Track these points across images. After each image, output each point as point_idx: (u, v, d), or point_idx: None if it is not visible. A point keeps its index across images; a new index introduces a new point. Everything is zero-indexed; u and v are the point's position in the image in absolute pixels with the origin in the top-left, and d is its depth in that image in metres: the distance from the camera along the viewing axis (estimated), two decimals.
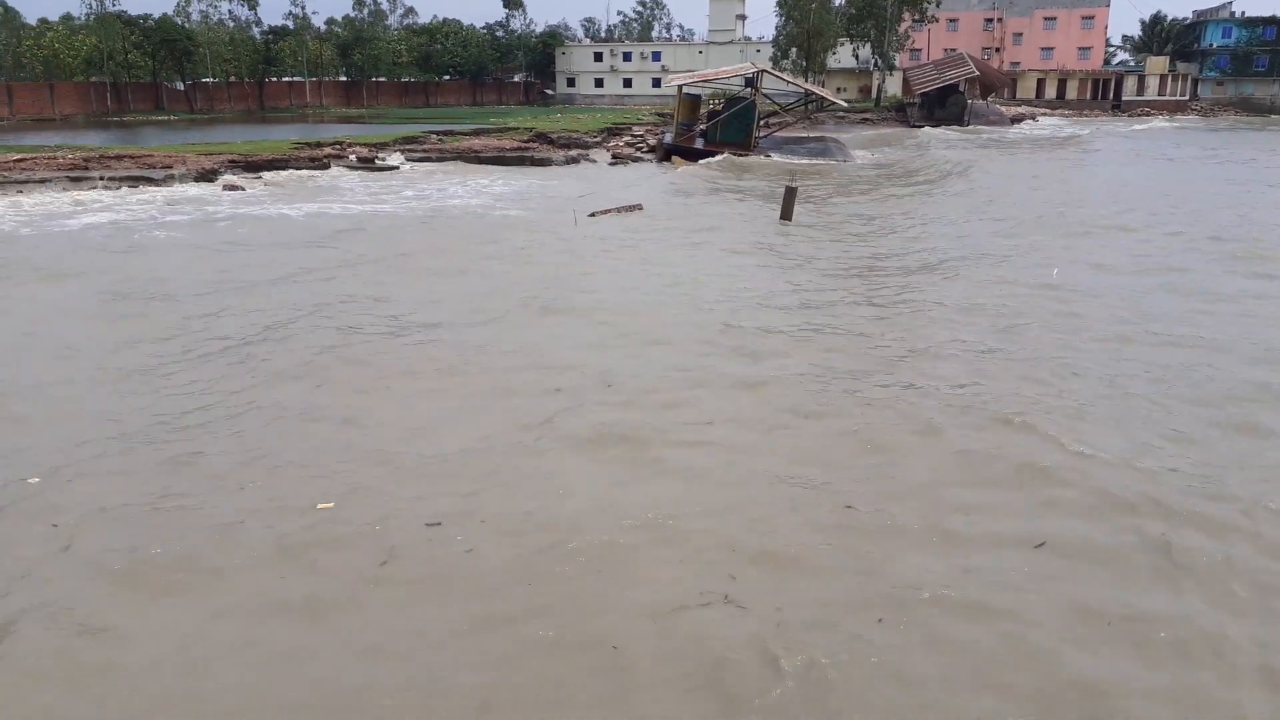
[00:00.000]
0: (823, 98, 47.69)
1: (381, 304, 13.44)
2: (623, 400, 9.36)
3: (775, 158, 40.23)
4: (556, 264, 16.81)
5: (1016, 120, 71.59)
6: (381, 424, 8.75)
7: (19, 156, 32.25)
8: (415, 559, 6.31)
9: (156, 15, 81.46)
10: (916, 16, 79.97)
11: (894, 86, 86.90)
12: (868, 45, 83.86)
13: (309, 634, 5.49)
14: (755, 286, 14.69)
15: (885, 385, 9.78)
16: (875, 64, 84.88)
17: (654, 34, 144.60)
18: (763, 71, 43.42)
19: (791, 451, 8.12)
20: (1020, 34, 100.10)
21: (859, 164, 39.85)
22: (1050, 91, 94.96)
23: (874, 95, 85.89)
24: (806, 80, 65.45)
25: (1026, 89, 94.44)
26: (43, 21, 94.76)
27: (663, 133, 46.39)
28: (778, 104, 47.23)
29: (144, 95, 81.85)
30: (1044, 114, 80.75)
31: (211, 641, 5.41)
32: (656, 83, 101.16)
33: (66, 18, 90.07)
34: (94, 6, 79.50)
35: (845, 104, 53.05)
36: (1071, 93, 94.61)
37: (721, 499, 7.15)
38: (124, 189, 28.61)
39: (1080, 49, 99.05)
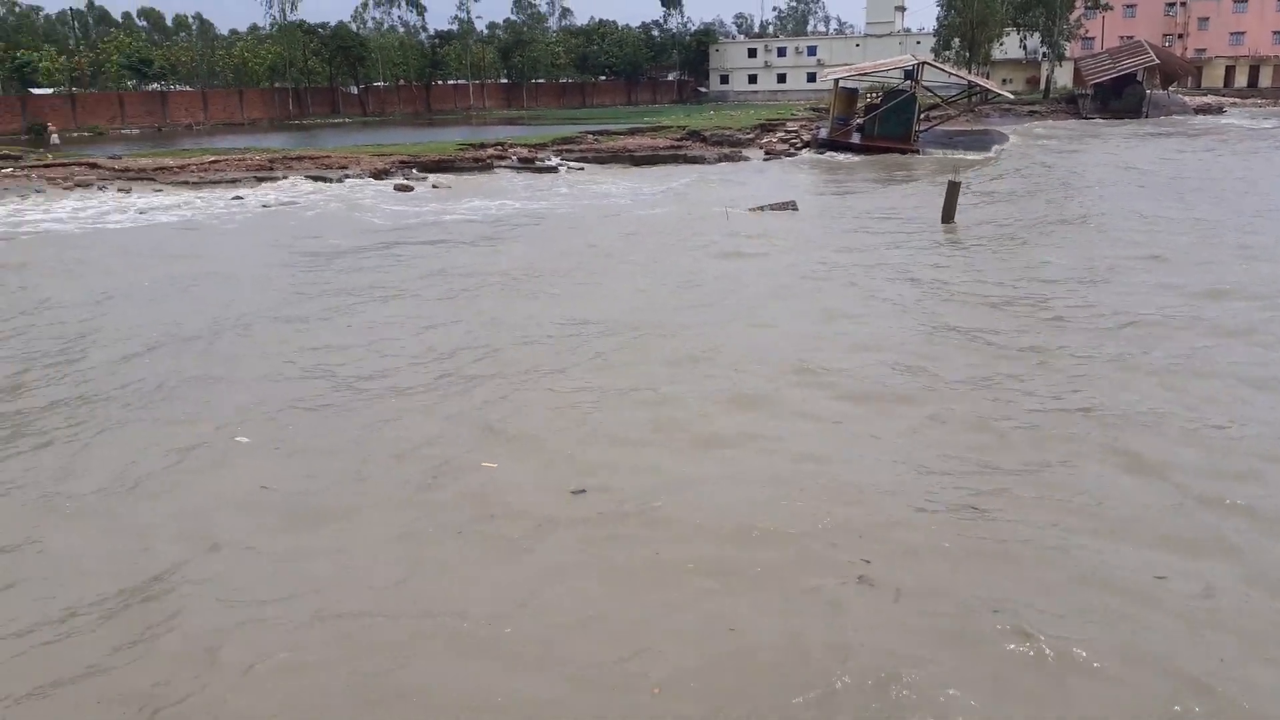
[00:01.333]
0: (986, 90, 45.99)
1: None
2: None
3: (935, 152, 39.10)
4: (697, 260, 16.91)
5: (1202, 111, 66.92)
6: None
7: (213, 158, 34.96)
8: None
9: (333, 23, 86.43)
10: (1089, 3, 75.92)
11: (1064, 77, 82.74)
12: (1036, 34, 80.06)
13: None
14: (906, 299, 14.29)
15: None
16: (1044, 54, 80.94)
17: (809, 28, 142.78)
18: (923, 63, 42.24)
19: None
20: (1206, 19, 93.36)
21: (1020, 158, 38.22)
22: (1240, 79, 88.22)
23: (1043, 86, 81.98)
24: (970, 72, 63.10)
25: (1213, 78, 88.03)
26: (233, 32, 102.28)
27: (817, 128, 45.78)
28: (939, 97, 45.81)
29: (321, 99, 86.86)
30: (1233, 104, 75.09)
31: None
32: (811, 78, 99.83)
33: (253, 29, 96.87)
34: (278, 17, 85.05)
35: (1011, 96, 51.03)
36: (1265, 80, 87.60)
37: None
38: (305, 183, 30.61)
39: (1275, 33, 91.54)
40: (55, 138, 50.87)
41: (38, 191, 29.23)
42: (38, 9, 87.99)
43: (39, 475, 7.84)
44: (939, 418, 8.76)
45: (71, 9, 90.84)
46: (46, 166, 34.08)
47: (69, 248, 19.62)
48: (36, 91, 70.61)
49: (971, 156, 38.24)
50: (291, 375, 10.47)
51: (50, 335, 12.33)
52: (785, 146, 43.29)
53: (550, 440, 8.41)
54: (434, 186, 31.17)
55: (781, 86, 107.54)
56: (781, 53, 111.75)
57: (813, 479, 7.46)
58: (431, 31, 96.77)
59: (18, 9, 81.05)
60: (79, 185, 30.43)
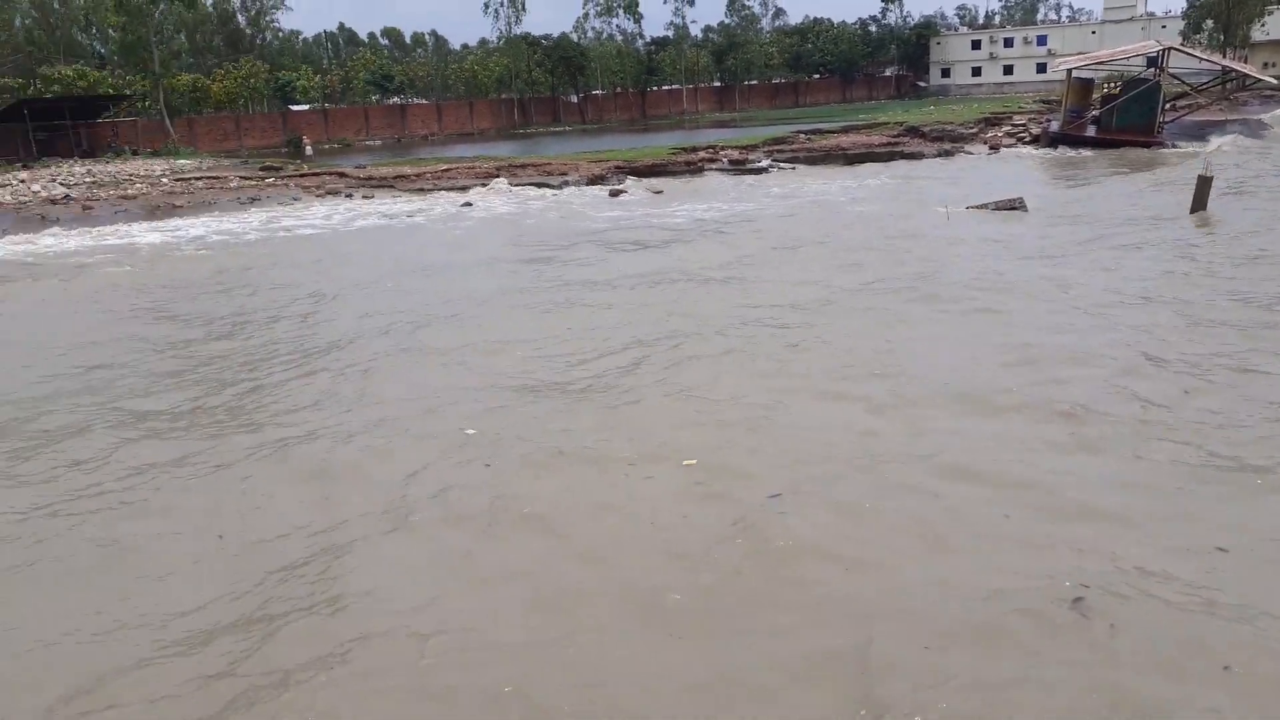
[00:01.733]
0: (1245, 75, 41.80)
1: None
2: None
3: (1183, 144, 35.96)
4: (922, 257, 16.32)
5: None
6: None
7: (445, 166, 37.34)
8: None
9: (556, 35, 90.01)
10: None
11: None
12: None
13: None
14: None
15: None
16: None
17: (1038, 17, 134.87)
18: (1169, 49, 38.96)
19: None
20: None
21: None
22: None
23: None
24: (1225, 56, 57.57)
25: None
26: (464, 47, 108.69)
27: (1048, 120, 43.18)
28: (1188, 84, 42.08)
29: (544, 109, 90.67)
30: None
31: None
32: (1041, 68, 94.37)
33: (483, 43, 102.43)
34: (504, 31, 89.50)
35: (1275, 81, 46.00)
36: None
37: None
38: (528, 189, 32.12)
39: None
40: (309, 149, 55.90)
41: (294, 199, 32.25)
42: (297, 33, 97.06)
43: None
44: None
45: (325, 31, 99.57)
46: (302, 176, 37.58)
47: (324, 245, 21.57)
48: (295, 108, 77.83)
49: (1225, 147, 34.87)
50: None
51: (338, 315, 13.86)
52: (1011, 141, 41.18)
53: None
54: (652, 191, 31.82)
55: (1008, 79, 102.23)
56: (1008, 43, 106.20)
57: None
58: (648, 39, 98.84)
59: (281, 35, 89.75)
60: (329, 193, 33.32)
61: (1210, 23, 71.08)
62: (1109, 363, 9.97)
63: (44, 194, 33.20)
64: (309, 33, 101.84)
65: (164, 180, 37.43)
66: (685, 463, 7.83)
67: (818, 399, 9.42)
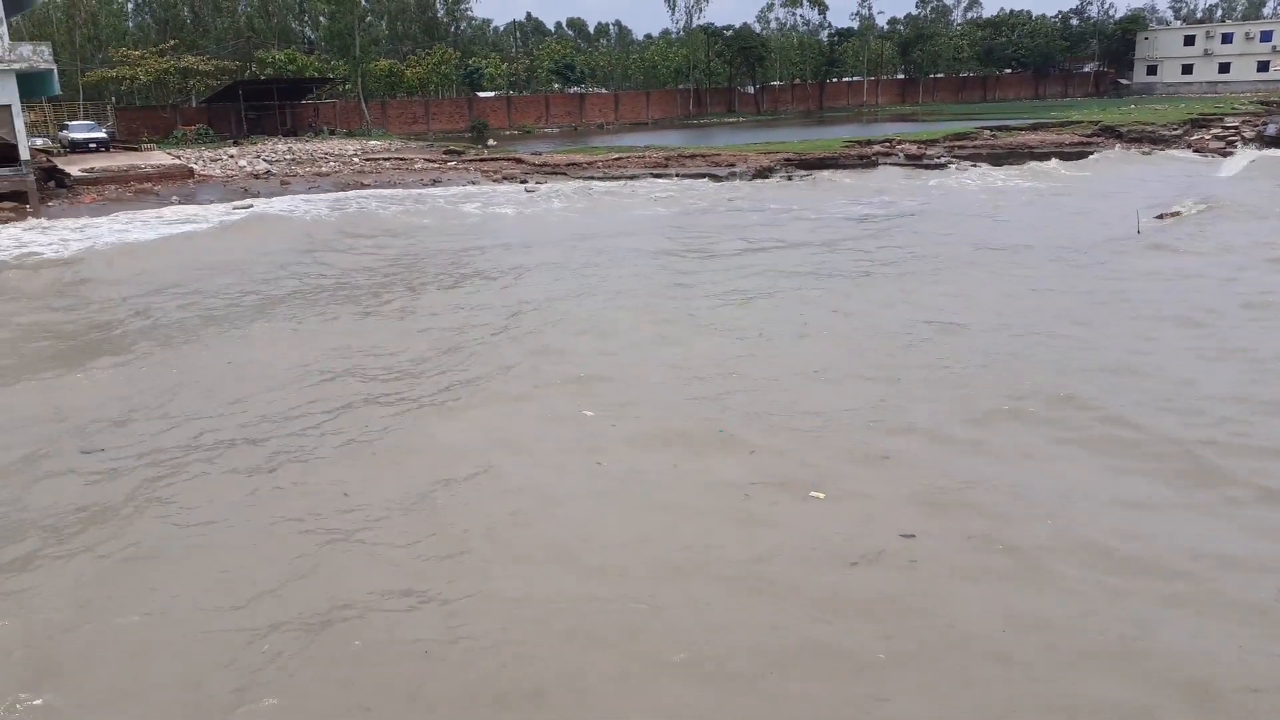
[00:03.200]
0: None
1: None
2: None
3: None
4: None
5: None
6: None
7: (616, 155, 37.85)
8: None
9: (738, 25, 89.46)
10: None
11: None
12: None
13: None
14: None
15: None
16: None
17: (1265, 11, 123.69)
18: None
19: None
20: None
21: None
22: None
23: None
24: None
25: None
26: (647, 37, 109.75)
27: (1266, 123, 39.60)
28: None
29: (718, 99, 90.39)
30: None
31: None
32: (1263, 67, 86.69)
33: (665, 33, 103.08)
34: (685, 22, 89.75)
35: None
36: None
37: None
38: (697, 180, 32.15)
39: None
40: (491, 141, 57.68)
41: (473, 183, 33.49)
42: (488, 22, 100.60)
43: None
44: None
45: (515, 21, 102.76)
46: (481, 161, 38.98)
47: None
48: (481, 94, 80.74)
49: None
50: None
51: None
52: (1221, 145, 38.00)
53: None
54: (813, 182, 31.23)
55: (1223, 77, 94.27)
56: (1227, 39, 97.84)
57: None
58: (832, 29, 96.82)
59: (474, 22, 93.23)
60: (505, 178, 34.42)
61: None
62: None
63: (249, 169, 35.83)
64: (499, 22, 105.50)
65: (355, 159, 39.67)
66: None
67: None
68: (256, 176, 34.30)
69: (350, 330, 13.58)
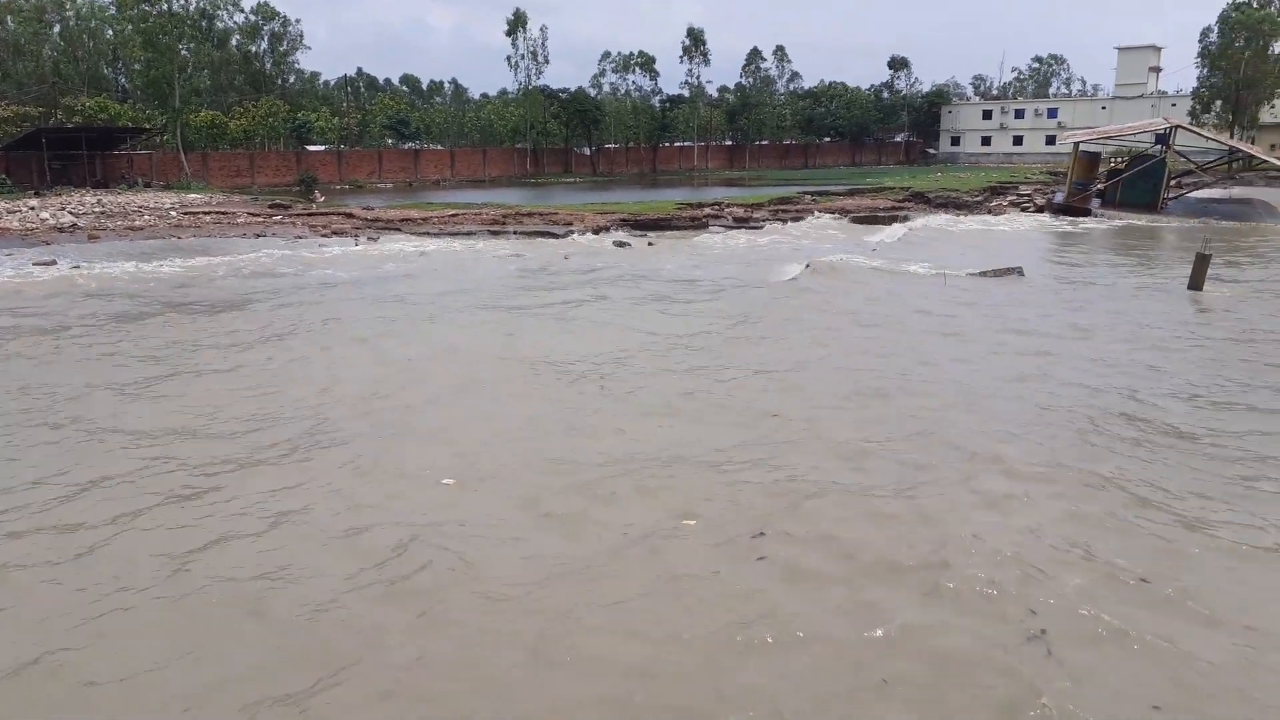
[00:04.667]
0: (1250, 155, 42.14)
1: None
2: None
3: (1188, 221, 36.08)
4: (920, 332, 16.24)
5: None
6: None
7: (453, 212, 37.59)
8: None
9: (573, 88, 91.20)
10: None
11: None
12: None
13: None
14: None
15: None
16: None
17: (1052, 90, 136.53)
18: (1177, 127, 39.32)
19: None
20: None
21: None
22: None
23: None
24: (1232, 136, 58.08)
25: None
26: (483, 96, 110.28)
27: (1053, 192, 43.48)
28: (1193, 162, 42.36)
29: (555, 159, 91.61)
30: None
31: None
32: (1050, 140, 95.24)
33: (502, 93, 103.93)
34: (524, 83, 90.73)
35: None
36: None
37: None
38: (535, 239, 32.22)
39: None
40: (320, 196, 56.06)
41: (299, 237, 32.41)
42: (318, 75, 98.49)
43: None
44: None
45: (347, 75, 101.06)
46: (309, 215, 37.86)
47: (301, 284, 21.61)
48: (310, 148, 78.75)
49: (1227, 226, 34.94)
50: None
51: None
52: (1016, 211, 41.37)
53: None
54: (649, 244, 31.92)
55: (1017, 149, 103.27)
56: (1019, 114, 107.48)
57: None
58: (664, 95, 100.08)
59: (303, 76, 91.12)
60: (335, 233, 33.49)
61: (1219, 103, 71.84)
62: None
63: (52, 221, 33.44)
64: (330, 76, 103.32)
65: (173, 213, 37.73)
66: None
67: None
68: (61, 230, 32.05)
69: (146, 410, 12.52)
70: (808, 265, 23.52)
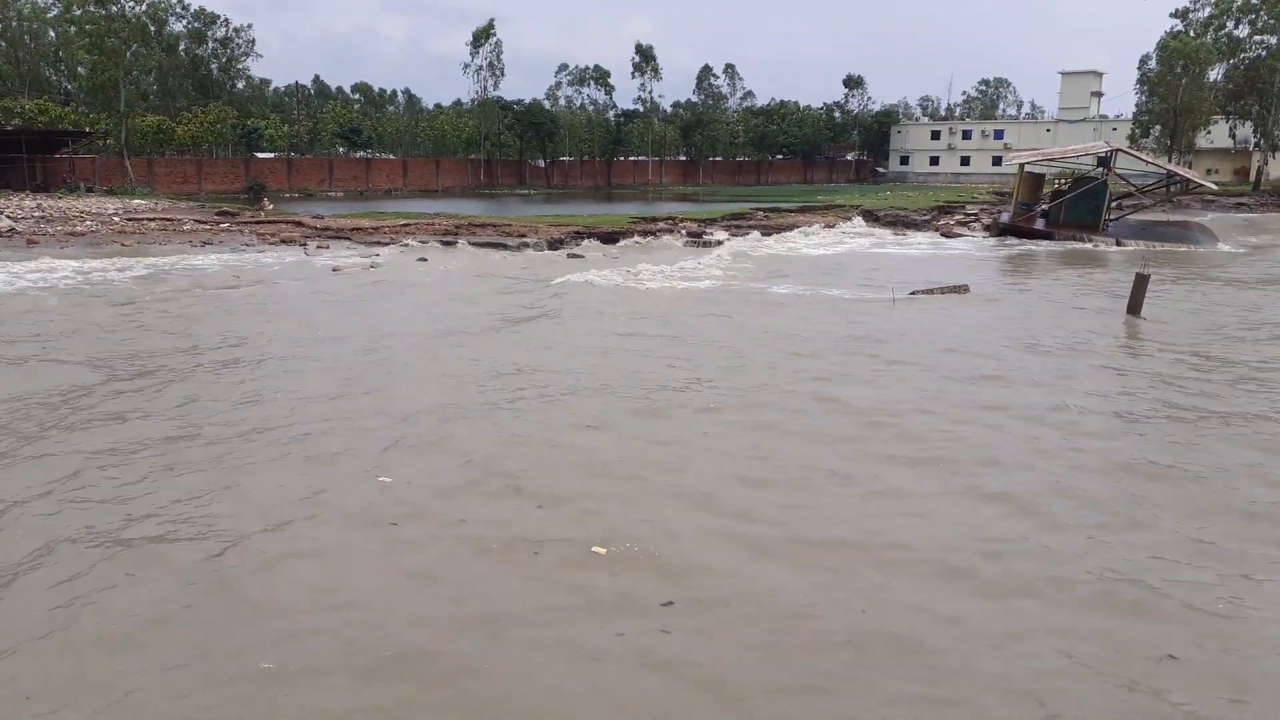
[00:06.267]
0: (1187, 179, 43.36)
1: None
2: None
3: (1126, 243, 37.03)
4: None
5: None
6: None
7: (404, 221, 37.26)
8: None
9: (528, 100, 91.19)
10: None
11: (1279, 169, 77.23)
12: (1248, 123, 75.45)
13: None
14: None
15: None
16: (1257, 144, 76.04)
17: (998, 112, 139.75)
18: (1118, 150, 40.36)
19: None
20: None
21: (1225, 252, 35.63)
22: None
23: (1253, 178, 76.78)
24: (1170, 160, 59.83)
25: None
26: (437, 106, 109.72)
27: (999, 212, 44.35)
28: (1134, 185, 43.52)
29: (510, 171, 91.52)
30: None
31: None
32: (997, 161, 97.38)
33: (456, 103, 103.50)
34: (478, 94, 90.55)
35: (1215, 187, 47.88)
36: None
37: None
38: (488, 251, 32.06)
39: None
40: (269, 205, 55.32)
41: (246, 245, 31.92)
42: (268, 82, 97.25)
43: None
44: None
45: (298, 83, 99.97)
46: (258, 223, 37.31)
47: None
48: (260, 155, 77.73)
49: (1167, 249, 35.96)
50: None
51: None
52: (963, 230, 42.12)
53: None
54: (603, 255, 31.96)
55: (964, 169, 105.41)
56: (967, 135, 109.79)
57: None
58: (618, 110, 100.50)
59: (253, 83, 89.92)
60: (284, 241, 33.03)
61: (1158, 128, 74.03)
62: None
63: None
64: (281, 83, 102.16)
65: (115, 219, 36.97)
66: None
67: None
68: None
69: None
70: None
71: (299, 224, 36.92)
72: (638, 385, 12.98)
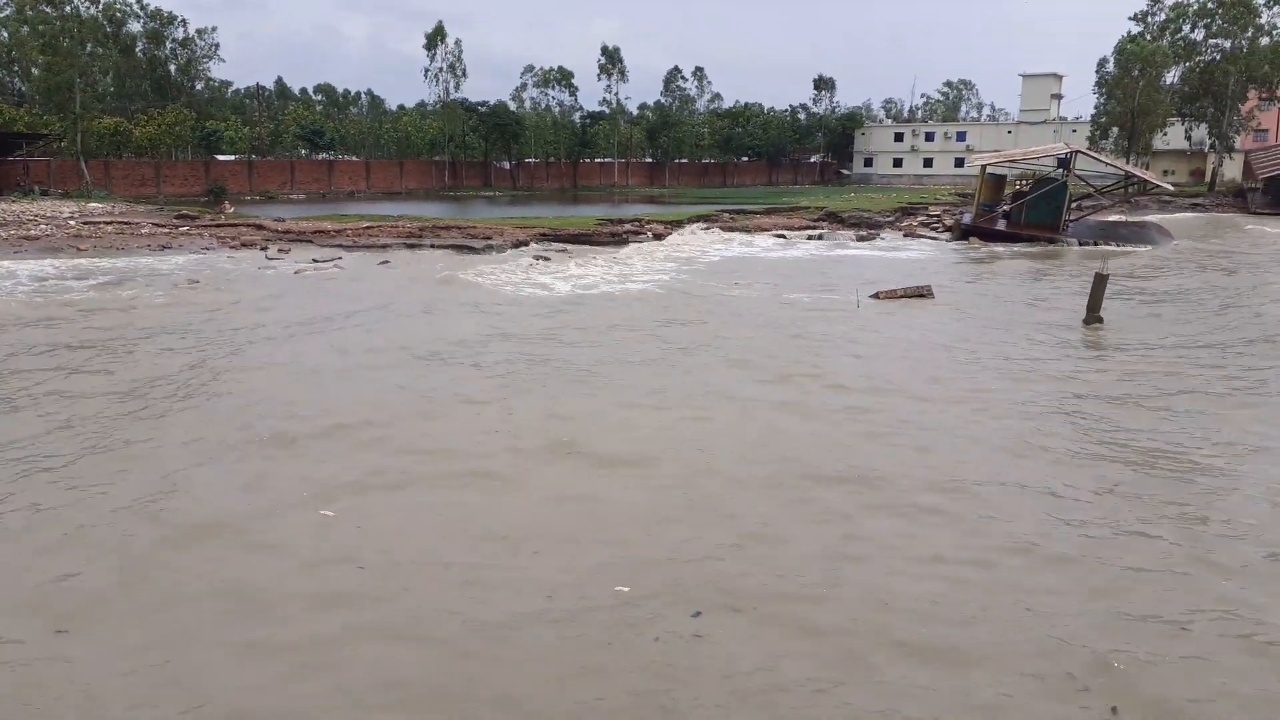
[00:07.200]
0: (1145, 180, 44.11)
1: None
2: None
3: (1087, 242, 37.53)
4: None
5: None
6: None
7: (368, 224, 36.89)
8: None
9: (493, 102, 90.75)
10: (1265, 95, 72.15)
11: (1233, 170, 78.74)
12: (1203, 125, 76.81)
13: None
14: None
15: None
16: (1211, 145, 77.45)
17: (961, 114, 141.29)
18: (1077, 152, 40.89)
19: None
20: None
21: (1179, 248, 36.26)
22: None
23: (1208, 179, 78.21)
24: (1128, 162, 60.75)
25: None
26: (401, 108, 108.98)
27: (961, 213, 44.78)
28: (1093, 186, 44.14)
29: (475, 172, 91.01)
30: None
31: None
32: (959, 163, 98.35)
33: (420, 105, 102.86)
34: (442, 95, 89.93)
35: (1171, 188, 48.69)
36: None
37: None
38: (450, 253, 31.80)
39: None
40: (229, 208, 54.50)
41: (206, 249, 31.42)
42: (229, 84, 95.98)
43: None
44: None
45: (258, 84, 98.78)
46: (218, 226, 36.75)
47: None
48: (220, 158, 76.66)
49: (1125, 249, 36.49)
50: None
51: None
52: (926, 231, 42.47)
53: None
54: (569, 255, 31.83)
55: (927, 171, 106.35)
56: (930, 137, 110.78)
57: None
58: (584, 112, 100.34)
59: (213, 84, 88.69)
60: (244, 245, 32.56)
61: (1116, 130, 75.15)
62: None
63: None
64: (241, 84, 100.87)
65: (71, 222, 36.24)
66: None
67: None
68: None
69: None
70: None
71: (260, 227, 36.39)
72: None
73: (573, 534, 7.92)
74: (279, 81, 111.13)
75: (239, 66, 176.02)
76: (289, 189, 73.38)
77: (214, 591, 6.83)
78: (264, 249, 31.84)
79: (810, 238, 39.53)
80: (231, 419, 11.28)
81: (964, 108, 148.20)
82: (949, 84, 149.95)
